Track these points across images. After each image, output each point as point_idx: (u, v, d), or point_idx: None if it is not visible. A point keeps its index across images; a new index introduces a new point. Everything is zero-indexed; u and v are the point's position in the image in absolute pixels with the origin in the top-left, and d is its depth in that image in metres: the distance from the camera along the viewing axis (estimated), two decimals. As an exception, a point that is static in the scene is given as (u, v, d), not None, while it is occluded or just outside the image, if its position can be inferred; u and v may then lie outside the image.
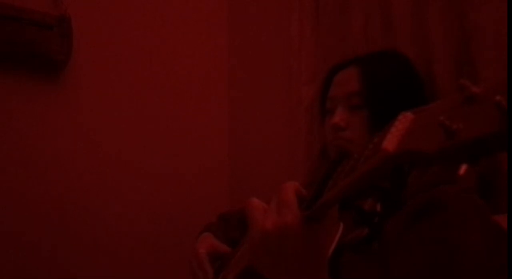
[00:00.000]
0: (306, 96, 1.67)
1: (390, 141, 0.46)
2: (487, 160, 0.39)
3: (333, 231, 0.79)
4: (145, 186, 1.92)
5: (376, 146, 0.49)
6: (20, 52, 1.66)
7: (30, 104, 1.72)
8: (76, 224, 1.76)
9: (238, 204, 1.45)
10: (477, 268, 0.77)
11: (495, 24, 1.20)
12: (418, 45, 1.38)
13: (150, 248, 1.88)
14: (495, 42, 1.20)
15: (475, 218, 0.83)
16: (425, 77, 1.21)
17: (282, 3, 1.86)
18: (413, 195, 0.87)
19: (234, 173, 2.11)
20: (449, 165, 0.41)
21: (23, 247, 1.65)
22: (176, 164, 2.00)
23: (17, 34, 1.63)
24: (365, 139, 1.00)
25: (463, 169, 0.39)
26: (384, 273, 0.82)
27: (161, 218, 1.92)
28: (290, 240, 0.63)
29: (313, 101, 1.63)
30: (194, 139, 2.06)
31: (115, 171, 1.86)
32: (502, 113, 0.35)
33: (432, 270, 0.78)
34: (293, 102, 1.74)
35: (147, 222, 1.89)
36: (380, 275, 0.83)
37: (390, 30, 1.46)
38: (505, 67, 1.13)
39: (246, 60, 2.13)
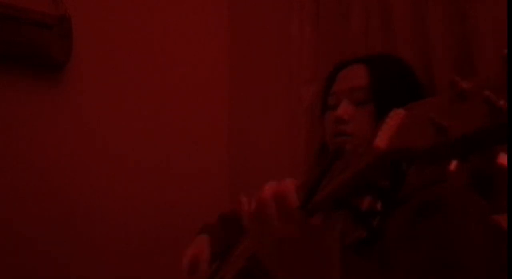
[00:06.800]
0: (306, 96, 1.67)
1: (382, 138, 0.45)
2: (480, 155, 0.39)
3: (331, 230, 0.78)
4: (145, 185, 1.92)
5: (368, 144, 0.49)
6: (20, 52, 1.66)
7: (30, 104, 1.73)
8: (77, 223, 1.76)
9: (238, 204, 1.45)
10: (478, 267, 0.76)
11: (495, 24, 1.19)
12: (418, 45, 1.37)
13: (151, 248, 1.88)
14: (494, 42, 1.20)
15: (476, 216, 0.83)
16: (423, 78, 1.21)
17: (282, 3, 1.86)
18: (413, 193, 0.87)
19: (234, 173, 2.11)
20: (441, 161, 0.40)
21: (22, 246, 1.65)
22: (176, 164, 2.00)
23: (17, 34, 1.64)
24: (368, 133, 1.00)
25: (453, 165, 0.38)
26: (386, 273, 0.82)
27: (161, 218, 1.92)
28: (300, 248, 0.65)
29: (313, 101, 1.63)
30: (194, 139, 2.05)
31: (114, 170, 1.86)
32: (490, 109, 0.34)
33: (434, 269, 0.78)
34: (293, 102, 1.73)
35: (147, 221, 1.89)
36: (382, 275, 0.82)
37: (390, 30, 1.45)
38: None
39: (246, 60, 2.13)
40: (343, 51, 1.57)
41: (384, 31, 1.47)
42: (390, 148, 0.45)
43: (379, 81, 1.04)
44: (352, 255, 0.82)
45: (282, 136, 1.82)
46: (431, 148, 0.40)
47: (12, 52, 1.65)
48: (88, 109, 1.84)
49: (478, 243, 0.79)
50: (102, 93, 1.87)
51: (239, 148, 2.11)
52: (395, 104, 1.01)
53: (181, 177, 1.99)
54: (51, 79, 1.77)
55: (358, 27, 1.53)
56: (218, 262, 1.23)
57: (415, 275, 0.79)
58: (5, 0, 1.63)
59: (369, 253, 0.84)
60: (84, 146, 1.81)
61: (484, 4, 1.22)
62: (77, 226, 1.76)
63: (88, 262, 1.76)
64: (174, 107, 2.02)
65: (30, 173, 1.70)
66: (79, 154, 1.80)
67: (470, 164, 0.39)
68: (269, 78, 1.99)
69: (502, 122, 0.34)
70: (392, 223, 0.84)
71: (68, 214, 1.75)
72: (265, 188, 0.68)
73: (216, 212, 1.49)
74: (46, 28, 1.68)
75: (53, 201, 1.73)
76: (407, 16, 1.40)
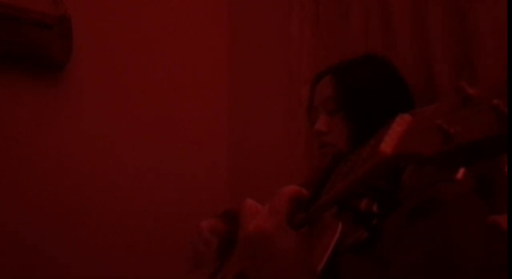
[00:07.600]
0: (306, 96, 1.67)
1: (388, 143, 0.45)
2: (485, 161, 0.39)
3: (331, 231, 0.79)
4: (145, 184, 1.92)
5: (374, 148, 0.49)
6: (20, 52, 1.65)
7: (30, 105, 1.72)
8: (77, 223, 1.76)
9: (238, 204, 1.45)
10: (476, 267, 0.76)
11: (494, 24, 1.20)
12: (418, 45, 1.37)
13: (151, 248, 1.88)
14: (494, 42, 1.20)
15: (474, 216, 0.83)
16: (423, 78, 1.21)
17: (282, 3, 1.85)
18: (411, 194, 0.87)
19: (234, 173, 2.11)
20: (447, 167, 0.41)
21: (22, 246, 1.64)
22: (176, 164, 2.00)
23: (17, 34, 1.63)
24: (346, 141, 1.05)
25: (460, 173, 0.39)
26: (385, 273, 0.82)
27: (161, 218, 1.92)
28: (269, 245, 0.66)
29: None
30: (194, 139, 2.05)
31: (114, 170, 1.86)
32: (499, 117, 0.35)
33: (431, 269, 0.78)
34: (293, 102, 1.73)
35: (147, 221, 1.89)
36: (381, 275, 0.82)
37: (390, 30, 1.46)
38: (505, 67, 1.13)
39: (246, 60, 2.13)
40: (343, 51, 1.57)
41: (384, 31, 1.47)
42: (396, 153, 0.45)
43: (343, 90, 1.08)
44: (352, 255, 0.82)
45: (282, 137, 1.82)
46: (437, 154, 0.40)
47: (12, 52, 1.65)
48: (88, 109, 1.83)
49: (477, 243, 0.79)
50: (102, 93, 1.87)
51: (239, 147, 2.11)
52: (364, 109, 1.04)
53: (181, 177, 1.99)
54: (51, 79, 1.76)
55: (358, 27, 1.53)
56: (219, 262, 1.24)
57: (414, 275, 0.79)
58: (5, 0, 1.63)
59: (369, 253, 0.84)
60: (84, 145, 1.81)
61: (484, 4, 1.23)
62: (77, 226, 1.76)
63: (88, 262, 1.76)
64: (174, 107, 2.02)
65: (30, 173, 1.70)
66: (79, 153, 1.80)
67: (475, 169, 0.39)
68: (269, 78, 1.99)
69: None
70: (391, 223, 0.84)
71: (68, 214, 1.75)
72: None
73: (216, 212, 1.49)
74: (46, 28, 1.68)
75: (53, 201, 1.73)
76: (407, 16, 1.40)
